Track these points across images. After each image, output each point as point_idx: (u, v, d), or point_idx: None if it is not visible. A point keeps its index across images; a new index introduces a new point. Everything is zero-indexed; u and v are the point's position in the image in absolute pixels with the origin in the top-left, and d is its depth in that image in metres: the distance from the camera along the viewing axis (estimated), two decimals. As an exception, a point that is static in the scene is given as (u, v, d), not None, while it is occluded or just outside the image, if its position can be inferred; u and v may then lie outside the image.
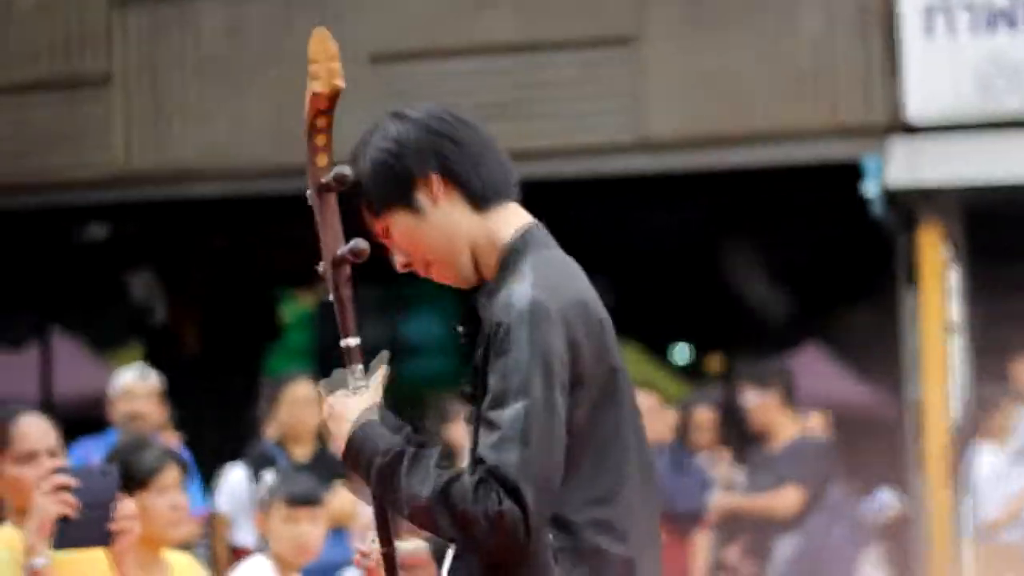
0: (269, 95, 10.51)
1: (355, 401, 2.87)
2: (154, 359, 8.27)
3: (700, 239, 11.76)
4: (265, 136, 10.58)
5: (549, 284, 2.76)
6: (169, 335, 12.06)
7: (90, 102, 10.98)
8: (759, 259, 11.96)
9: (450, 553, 2.88)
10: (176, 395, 7.62)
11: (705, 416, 9.51)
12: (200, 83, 10.89)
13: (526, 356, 2.68)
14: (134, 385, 7.26)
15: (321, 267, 2.91)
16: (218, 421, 10.57)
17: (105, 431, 7.25)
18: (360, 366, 2.90)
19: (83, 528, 3.96)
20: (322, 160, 2.87)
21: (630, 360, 4.22)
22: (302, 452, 7.19)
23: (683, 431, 9.20)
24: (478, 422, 2.74)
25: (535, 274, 2.77)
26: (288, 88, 10.48)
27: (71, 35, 11.12)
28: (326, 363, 3.13)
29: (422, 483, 2.72)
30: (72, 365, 12.96)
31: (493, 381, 2.71)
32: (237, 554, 7.21)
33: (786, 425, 8.22)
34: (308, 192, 2.90)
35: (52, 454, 4.27)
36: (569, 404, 2.72)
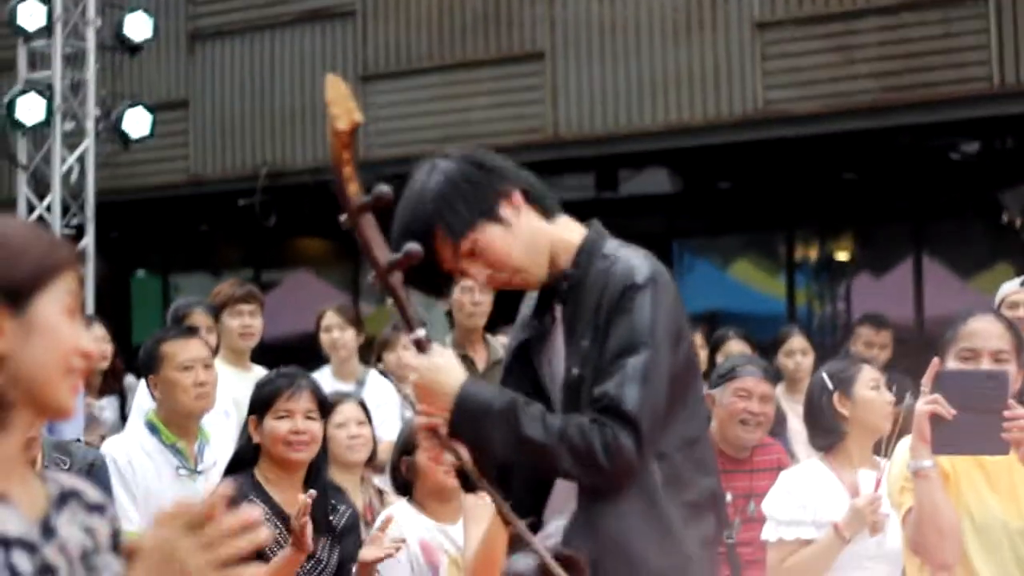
0: None
1: (449, 361, 3.17)
2: (1027, 278, 8.07)
3: None
4: None
5: (651, 261, 3.23)
6: (1042, 254, 11.79)
7: (966, 19, 10.92)
8: None
9: (558, 521, 3.23)
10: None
11: None
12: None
13: (648, 314, 3.15)
14: (1015, 292, 7.16)
15: (371, 279, 3.09)
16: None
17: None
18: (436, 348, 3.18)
19: (969, 433, 3.95)
20: (352, 188, 3.06)
21: None
22: None
23: None
24: (581, 385, 3.16)
25: (635, 252, 3.25)
26: None
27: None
28: None
29: (538, 428, 3.09)
30: (938, 286, 12.99)
31: (618, 334, 3.14)
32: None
33: None
34: (342, 218, 3.06)
35: None
36: (673, 357, 3.18)
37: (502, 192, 3.27)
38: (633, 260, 3.22)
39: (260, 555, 4.63)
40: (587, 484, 3.16)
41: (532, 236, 3.29)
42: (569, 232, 3.34)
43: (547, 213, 3.33)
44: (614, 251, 3.26)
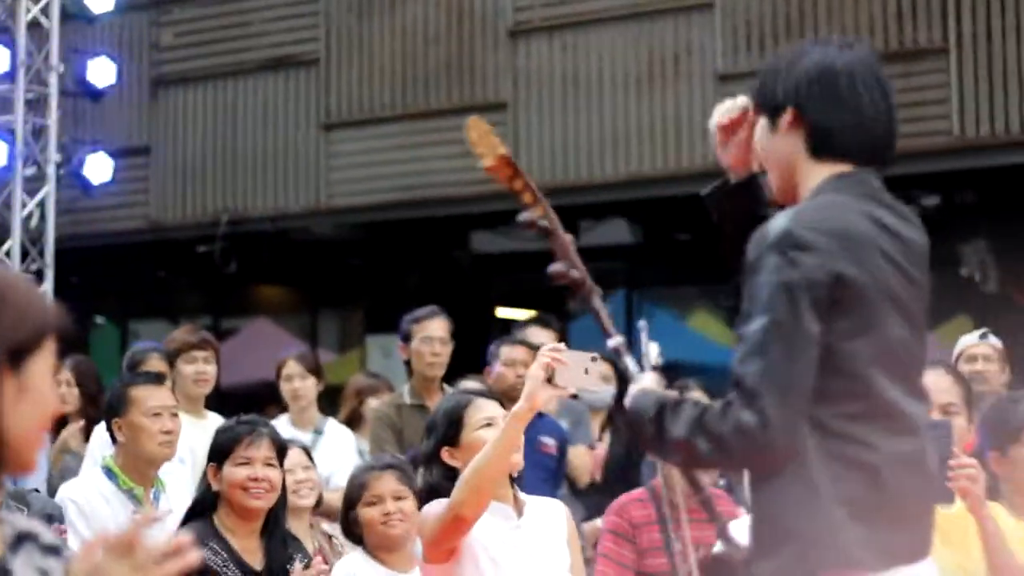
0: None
1: (645, 375, 3.21)
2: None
3: None
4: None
5: (809, 217, 2.96)
6: (1001, 306, 11.84)
7: (927, 73, 11.03)
8: None
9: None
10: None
11: None
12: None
13: (773, 277, 2.88)
14: (974, 346, 7.17)
15: (596, 302, 3.30)
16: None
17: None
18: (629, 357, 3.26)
19: None
20: (537, 212, 3.31)
21: None
22: None
23: None
24: None
25: (800, 210, 3.00)
26: None
27: (904, 8, 11.23)
28: None
29: (680, 424, 2.95)
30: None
31: (746, 298, 2.94)
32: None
33: None
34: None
35: None
36: (825, 326, 2.88)
37: (783, 104, 3.19)
38: (777, 220, 2.98)
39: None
40: (736, 468, 3.18)
41: (780, 156, 3.19)
42: (816, 179, 3.12)
43: (814, 149, 3.13)
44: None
